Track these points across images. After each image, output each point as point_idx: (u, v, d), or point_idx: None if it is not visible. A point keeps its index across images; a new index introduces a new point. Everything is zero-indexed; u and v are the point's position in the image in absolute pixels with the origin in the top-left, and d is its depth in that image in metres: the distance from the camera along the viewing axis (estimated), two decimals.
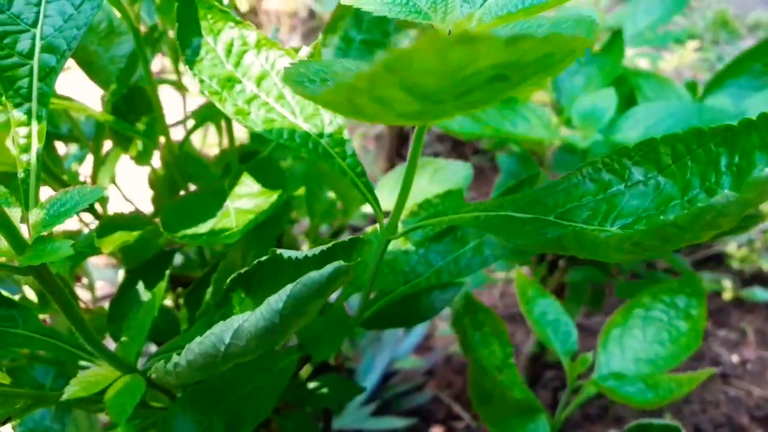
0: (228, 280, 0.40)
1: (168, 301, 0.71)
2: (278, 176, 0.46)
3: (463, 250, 0.52)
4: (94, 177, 0.67)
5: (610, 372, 0.68)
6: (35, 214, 0.37)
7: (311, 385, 0.59)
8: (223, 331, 0.33)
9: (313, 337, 0.50)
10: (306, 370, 0.58)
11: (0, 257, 0.35)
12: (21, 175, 0.38)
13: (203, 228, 0.43)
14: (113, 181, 0.72)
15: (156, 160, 0.65)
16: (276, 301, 0.32)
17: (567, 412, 0.69)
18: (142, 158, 0.60)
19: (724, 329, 1.32)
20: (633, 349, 0.71)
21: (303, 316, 0.33)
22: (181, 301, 0.71)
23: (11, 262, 0.37)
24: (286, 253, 0.36)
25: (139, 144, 0.60)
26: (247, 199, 0.45)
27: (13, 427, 0.64)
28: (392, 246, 0.56)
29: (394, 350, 1.25)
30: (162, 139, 0.61)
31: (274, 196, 0.44)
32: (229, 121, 0.60)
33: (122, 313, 0.53)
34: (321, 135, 0.42)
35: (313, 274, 0.32)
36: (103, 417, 0.64)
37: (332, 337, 0.50)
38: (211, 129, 0.71)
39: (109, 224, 0.51)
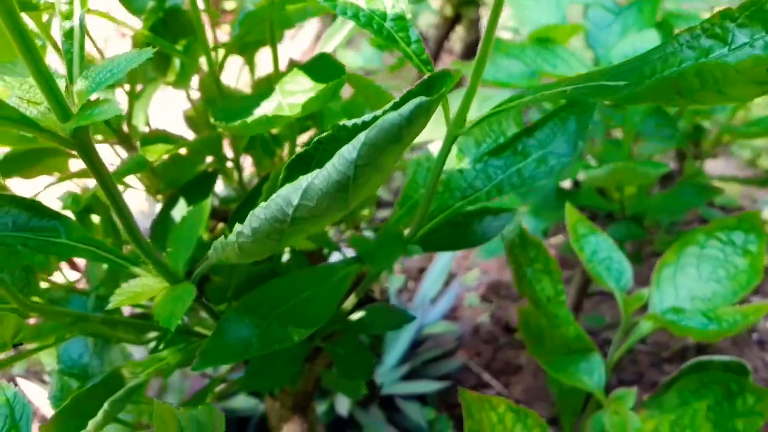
0: (284, 167, 0.37)
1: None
2: (334, 69, 0.43)
3: (526, 162, 0.50)
4: (130, 111, 0.64)
5: (666, 308, 0.65)
6: (80, 83, 0.34)
7: (358, 315, 0.57)
8: (290, 193, 0.30)
9: (369, 250, 0.47)
10: (351, 302, 0.56)
11: (45, 124, 0.32)
12: (65, 45, 0.35)
13: (255, 118, 0.41)
14: (147, 123, 0.70)
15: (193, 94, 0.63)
16: (350, 150, 0.29)
17: (622, 350, 0.66)
18: (180, 81, 0.58)
19: (758, 296, 1.29)
20: (687, 287, 0.68)
21: (379, 170, 0.30)
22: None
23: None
24: (350, 122, 0.33)
25: (176, 65, 0.57)
26: (301, 94, 0.43)
27: (49, 372, 0.62)
28: (446, 165, 0.53)
29: (423, 318, 1.22)
30: (203, 66, 0.58)
31: (329, 85, 0.41)
32: (274, 47, 0.57)
33: (165, 232, 0.51)
34: (384, 18, 0.40)
35: (391, 115, 0.29)
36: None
37: (388, 251, 0.48)
38: (244, 71, 0.69)
39: (152, 137, 0.49)
